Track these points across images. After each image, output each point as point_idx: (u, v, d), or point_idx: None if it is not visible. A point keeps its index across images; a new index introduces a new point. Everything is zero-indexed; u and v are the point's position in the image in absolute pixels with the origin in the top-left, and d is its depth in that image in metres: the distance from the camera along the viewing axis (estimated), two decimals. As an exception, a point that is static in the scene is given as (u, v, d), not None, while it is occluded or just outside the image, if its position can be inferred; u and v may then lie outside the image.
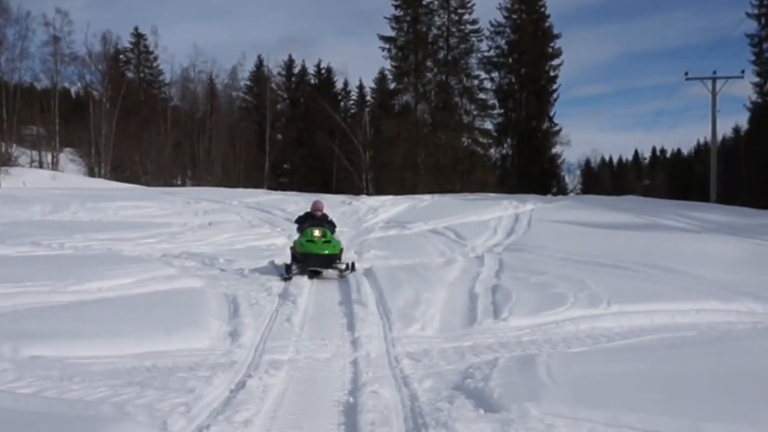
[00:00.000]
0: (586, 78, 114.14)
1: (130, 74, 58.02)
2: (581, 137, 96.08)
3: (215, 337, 6.19)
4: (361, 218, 20.01)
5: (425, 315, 7.39)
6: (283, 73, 64.86)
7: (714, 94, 31.49)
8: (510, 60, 46.49)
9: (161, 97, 57.59)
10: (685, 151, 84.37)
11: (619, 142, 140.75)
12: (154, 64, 60.24)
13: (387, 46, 43.86)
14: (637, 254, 11.24)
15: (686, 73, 32.18)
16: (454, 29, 44.17)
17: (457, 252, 12.86)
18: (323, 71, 63.53)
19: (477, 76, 44.96)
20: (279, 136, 60.29)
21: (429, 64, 43.75)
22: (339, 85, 63.96)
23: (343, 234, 15.01)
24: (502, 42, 46.51)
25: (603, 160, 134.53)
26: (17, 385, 4.56)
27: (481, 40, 45.29)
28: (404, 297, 8.16)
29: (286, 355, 5.81)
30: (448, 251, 13.02)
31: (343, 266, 10.52)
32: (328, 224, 11.28)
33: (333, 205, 23.17)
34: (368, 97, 58.24)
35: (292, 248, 10.95)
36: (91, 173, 45.19)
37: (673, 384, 4.88)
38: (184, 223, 18.30)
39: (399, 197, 26.02)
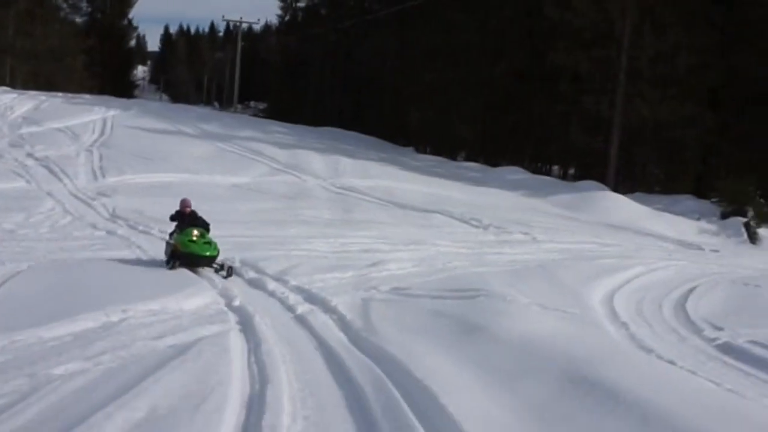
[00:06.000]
0: None
1: None
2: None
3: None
4: (3, 113, 33.79)
5: (77, 173, 24.25)
6: None
7: (239, 34, 51.08)
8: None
9: None
10: (256, 28, 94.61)
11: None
12: None
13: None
14: (152, 151, 29.17)
15: (223, 16, 51.10)
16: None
17: (78, 145, 29.12)
18: None
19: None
20: None
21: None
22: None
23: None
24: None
25: (181, 28, 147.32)
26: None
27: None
28: (61, 168, 24.88)
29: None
30: (73, 145, 29.02)
31: (220, 266, 11.58)
32: (202, 223, 12.03)
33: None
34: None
35: (172, 243, 11.64)
36: None
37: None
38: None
39: (24, 95, 39.21)
